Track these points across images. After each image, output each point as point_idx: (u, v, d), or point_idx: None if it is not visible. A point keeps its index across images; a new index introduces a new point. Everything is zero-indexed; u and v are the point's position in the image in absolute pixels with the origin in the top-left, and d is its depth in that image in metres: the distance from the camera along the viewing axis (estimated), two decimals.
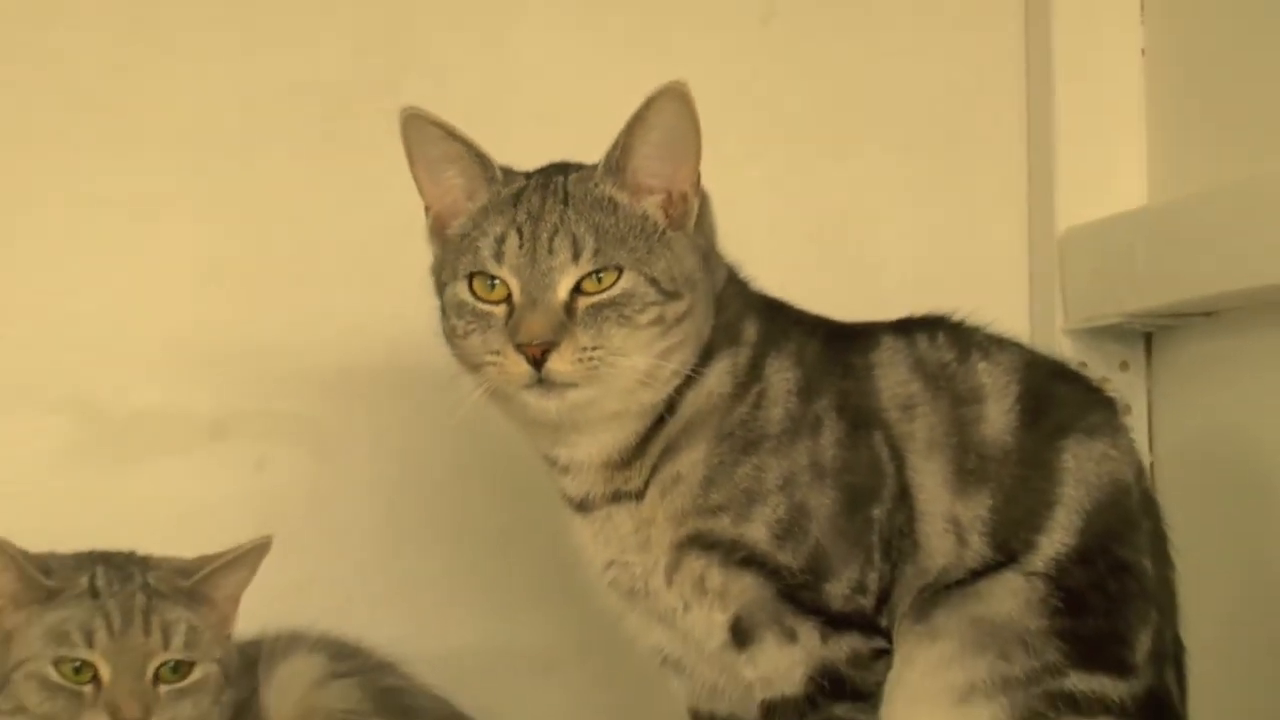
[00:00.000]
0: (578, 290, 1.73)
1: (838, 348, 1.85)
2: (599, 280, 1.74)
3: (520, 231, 1.75)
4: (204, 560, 1.97)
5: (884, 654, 1.78)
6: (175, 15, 2.39)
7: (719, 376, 1.81)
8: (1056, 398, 1.85)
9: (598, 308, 1.73)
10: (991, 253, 2.58)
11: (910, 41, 2.60)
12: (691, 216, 1.80)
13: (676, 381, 1.78)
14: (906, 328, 1.88)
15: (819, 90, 2.55)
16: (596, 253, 1.74)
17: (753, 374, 1.82)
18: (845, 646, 1.76)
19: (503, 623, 2.40)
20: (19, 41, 2.34)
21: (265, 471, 2.37)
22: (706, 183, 1.81)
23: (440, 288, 1.82)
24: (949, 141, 2.59)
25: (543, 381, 1.72)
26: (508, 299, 1.75)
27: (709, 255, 1.83)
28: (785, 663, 1.77)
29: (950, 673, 1.75)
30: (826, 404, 1.81)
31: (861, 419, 1.81)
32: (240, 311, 2.37)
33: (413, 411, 2.32)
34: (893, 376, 1.84)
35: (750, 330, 1.84)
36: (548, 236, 1.74)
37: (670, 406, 1.79)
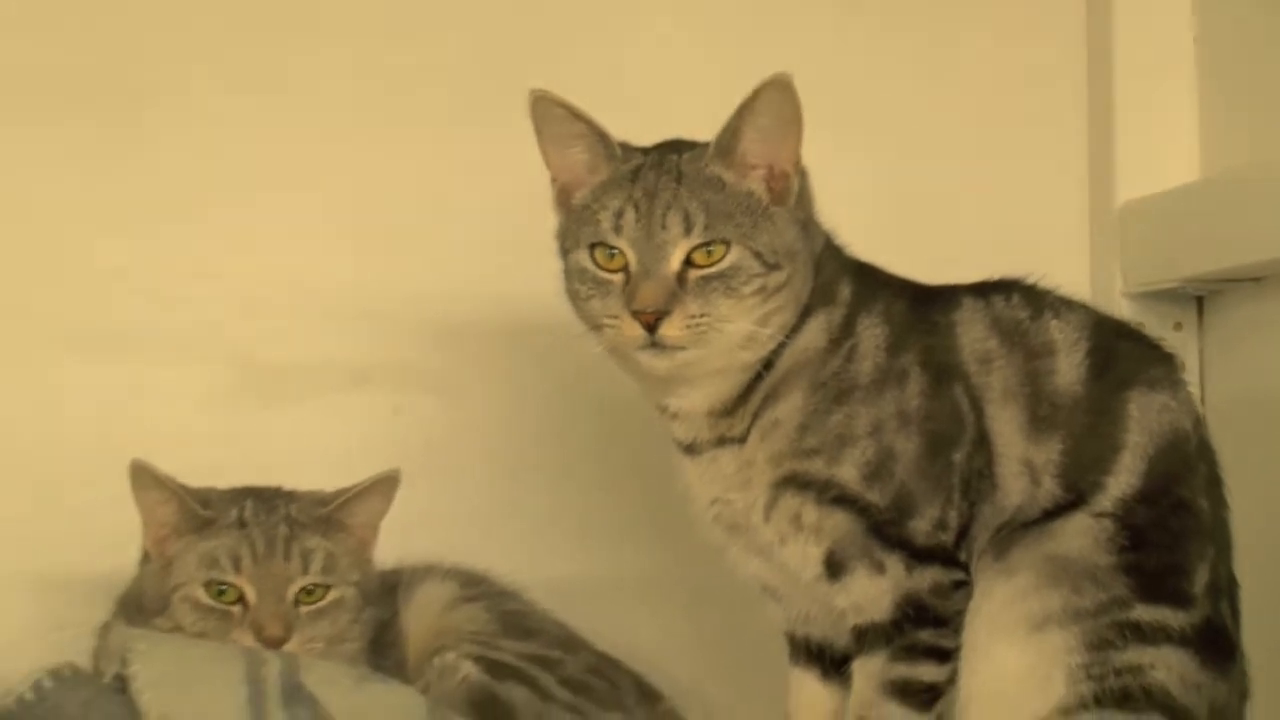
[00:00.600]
0: (688, 262, 1.73)
1: (922, 307, 1.85)
2: (709, 253, 1.74)
3: (637, 207, 1.74)
4: (340, 492, 1.98)
5: (963, 585, 1.77)
6: (329, 7, 2.40)
7: (815, 333, 1.80)
8: (1121, 353, 1.83)
9: (706, 279, 1.73)
10: (1056, 224, 2.57)
11: (981, 30, 2.58)
12: (792, 193, 1.79)
13: (776, 342, 1.77)
14: (984, 290, 1.87)
15: (899, 73, 2.53)
16: (706, 228, 1.73)
17: (846, 331, 1.81)
18: (928, 578, 1.76)
19: (607, 553, 2.39)
20: (197, 37, 2.35)
21: (400, 416, 2.37)
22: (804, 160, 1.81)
23: (564, 253, 1.82)
24: (1017, 122, 2.58)
25: (655, 344, 1.72)
26: (625, 268, 1.75)
27: (808, 225, 1.83)
28: (874, 592, 1.76)
29: (1026, 604, 1.73)
30: (912, 358, 1.80)
31: (943, 372, 1.80)
32: (379, 273, 2.36)
33: (532, 363, 2.31)
34: (972, 333, 1.83)
35: (844, 291, 1.84)
36: (661, 212, 1.74)
37: (770, 360, 1.79)
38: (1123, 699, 1.71)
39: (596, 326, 1.78)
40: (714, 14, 2.50)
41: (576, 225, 1.80)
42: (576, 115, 1.80)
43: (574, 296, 1.80)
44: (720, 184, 1.76)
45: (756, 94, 1.74)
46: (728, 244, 1.74)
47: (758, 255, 1.75)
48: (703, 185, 1.76)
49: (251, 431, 2.33)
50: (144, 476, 1.93)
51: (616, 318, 1.74)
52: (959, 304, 1.85)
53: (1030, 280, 1.89)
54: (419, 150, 2.38)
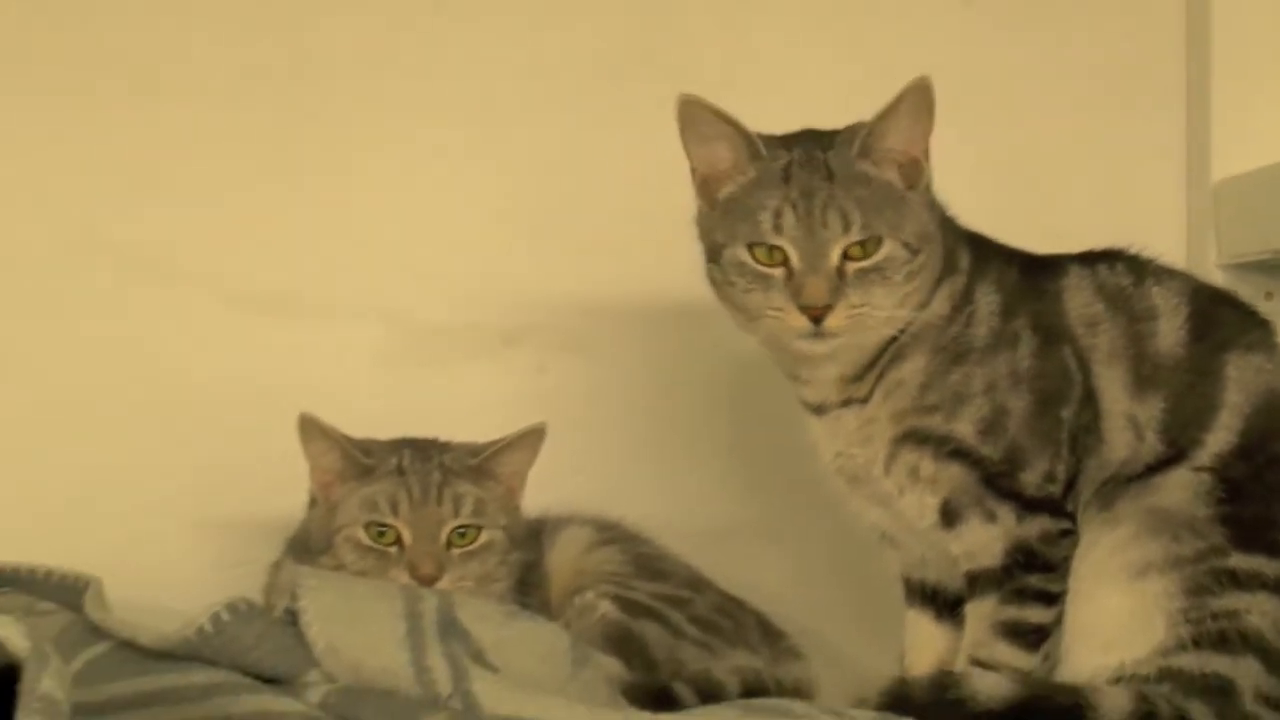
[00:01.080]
0: (844, 255, 1.72)
1: (1032, 275, 1.83)
2: (863, 248, 1.72)
3: (795, 206, 1.72)
4: (490, 444, 1.98)
5: (1069, 534, 1.76)
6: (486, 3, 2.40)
7: (940, 301, 1.80)
8: (1220, 318, 1.81)
9: (864, 271, 1.72)
10: (1156, 200, 2.53)
11: (1088, 21, 2.54)
12: (924, 178, 1.78)
13: (911, 314, 1.77)
14: (1089, 259, 1.86)
15: (1013, 62, 2.49)
16: (864, 225, 1.72)
17: (966, 298, 1.80)
18: (1037, 526, 1.75)
19: (733, 502, 2.38)
20: (364, 30, 2.37)
21: (546, 375, 2.37)
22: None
23: (715, 246, 1.79)
24: (1121, 107, 2.53)
25: (818, 333, 1.72)
26: (785, 263, 1.73)
27: (932, 205, 1.81)
28: (986, 539, 1.76)
29: (1129, 552, 1.71)
30: (1023, 322, 1.79)
31: (1053, 334, 1.79)
32: (528, 243, 2.35)
33: (668, 325, 2.31)
34: (1079, 299, 1.81)
35: (964, 260, 1.82)
36: (820, 211, 1.71)
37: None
38: (1219, 642, 1.68)
39: (754, 317, 1.76)
40: (840, 6, 2.47)
41: (729, 221, 1.77)
42: (722, 118, 1.77)
43: (728, 287, 1.78)
44: (867, 179, 1.74)
45: (901, 97, 1.73)
46: (881, 238, 1.72)
47: (905, 245, 1.73)
48: (853, 182, 1.73)
49: (411, 388, 2.33)
50: (310, 428, 1.94)
51: (780, 309, 1.73)
52: (1066, 271, 1.83)
53: (1132, 250, 1.87)
54: (565, 131, 2.37)
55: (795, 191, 1.73)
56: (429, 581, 1.86)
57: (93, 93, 2.31)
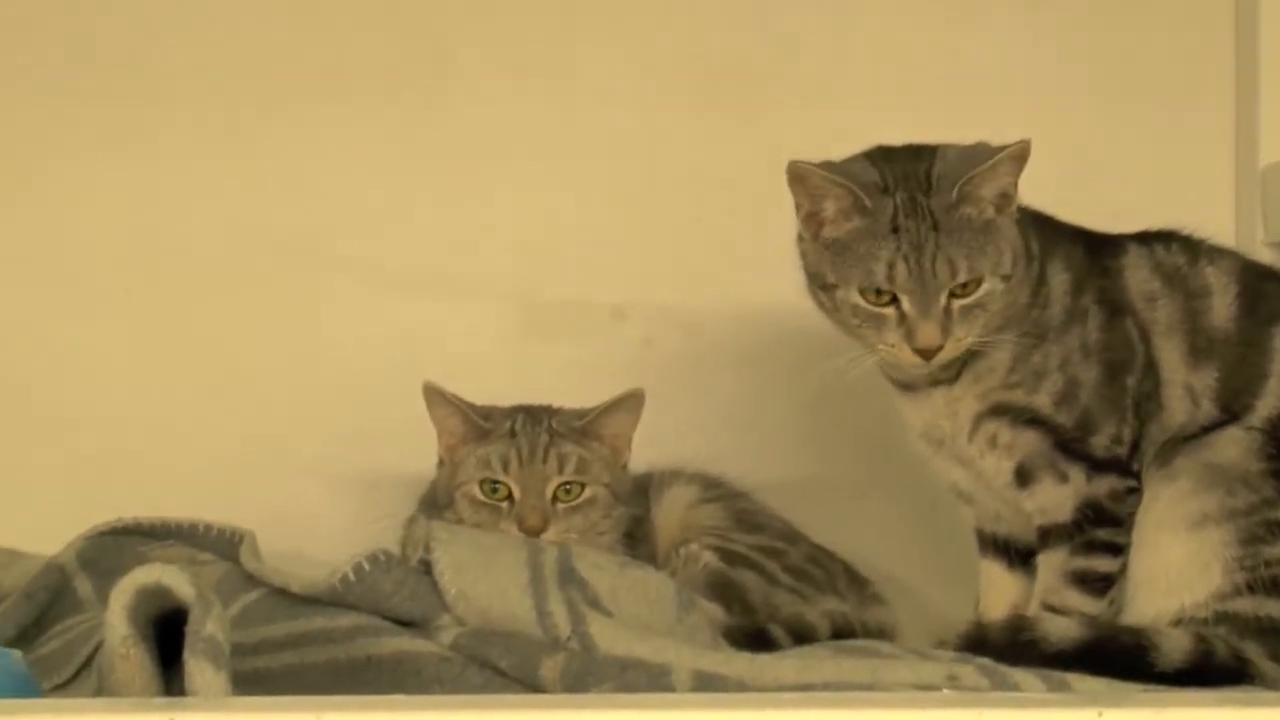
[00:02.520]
0: (950, 294, 1.69)
1: (1095, 252, 1.80)
2: (965, 288, 1.70)
3: (906, 260, 1.68)
4: (594, 408, 1.98)
5: (1134, 491, 1.73)
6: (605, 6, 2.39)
7: (1020, 289, 1.76)
8: (1268, 294, 1.78)
9: (967, 309, 1.69)
10: (1205, 183, 2.45)
11: (1139, 11, 2.47)
12: (1014, 205, 1.74)
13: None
14: (1146, 238, 1.82)
15: (1068, 51, 2.43)
16: (970, 270, 1.69)
17: (1040, 281, 1.77)
18: (1105, 485, 1.72)
19: (827, 462, 2.34)
20: (493, 30, 2.37)
21: (652, 347, 2.34)
22: (988, 135, 1.76)
23: (811, 267, 1.76)
24: (1173, 96, 2.46)
25: (928, 364, 1.72)
26: (894, 303, 1.70)
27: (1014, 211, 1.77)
28: (1059, 497, 1.74)
29: (1187, 504, 1.69)
30: (1090, 298, 1.77)
31: (1117, 308, 1.76)
32: (636, 223, 2.34)
33: (768, 301, 2.25)
34: (1138, 276, 1.79)
35: (1034, 244, 1.78)
36: (930, 263, 1.67)
37: None
38: (1272, 587, 1.66)
39: (868, 346, 1.75)
40: (921, 11, 2.41)
41: (840, 264, 1.72)
42: (830, 179, 1.72)
43: (837, 316, 1.76)
44: (967, 222, 1.70)
45: (1002, 158, 1.69)
46: (981, 279, 1.69)
47: (1004, 278, 1.70)
48: (956, 229, 1.69)
49: (529, 360, 2.32)
50: (434, 395, 1.96)
51: (894, 345, 1.70)
52: (1126, 250, 1.80)
53: (1185, 231, 1.83)
54: (672, 121, 2.35)
55: (905, 244, 1.69)
56: (535, 533, 1.86)
57: (248, 96, 2.33)
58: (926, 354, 1.70)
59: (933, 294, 1.69)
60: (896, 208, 1.71)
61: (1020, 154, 1.70)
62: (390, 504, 2.11)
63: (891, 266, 1.70)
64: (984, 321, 1.71)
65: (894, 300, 1.70)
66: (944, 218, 1.70)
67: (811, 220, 1.76)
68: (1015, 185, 1.73)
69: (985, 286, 1.70)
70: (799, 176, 1.74)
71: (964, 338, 1.70)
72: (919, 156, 1.75)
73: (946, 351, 1.70)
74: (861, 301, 1.72)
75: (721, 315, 2.37)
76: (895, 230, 1.70)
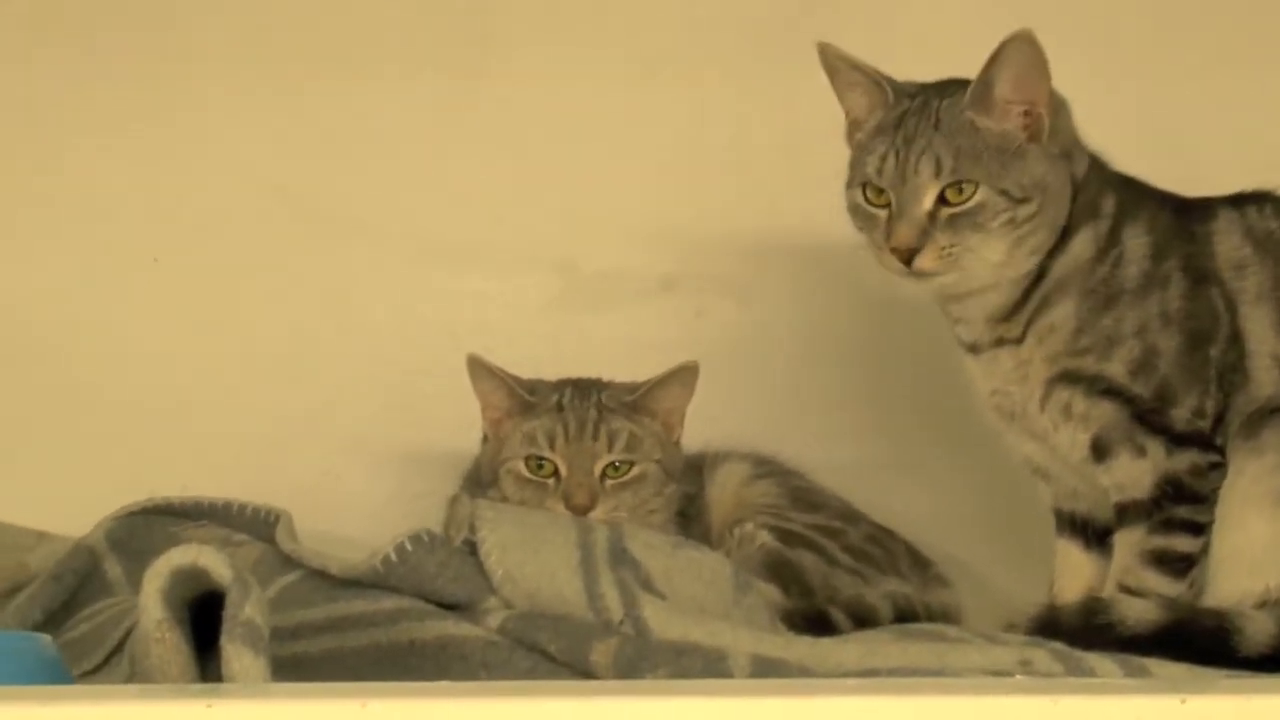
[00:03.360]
0: (943, 200, 1.70)
1: (1182, 218, 1.78)
2: (959, 191, 1.69)
3: (897, 153, 1.72)
4: (645, 382, 1.97)
5: (1217, 467, 1.71)
6: None
7: (1083, 244, 1.75)
8: None
9: (955, 216, 1.69)
10: None
11: None
12: (1045, 130, 1.73)
13: (1035, 259, 1.73)
14: (1239, 201, 1.80)
15: (1155, 12, 2.41)
16: (954, 171, 1.69)
17: (1112, 240, 1.75)
18: (1186, 460, 1.70)
19: (887, 438, 2.33)
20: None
21: (703, 319, 2.33)
22: (1071, 95, 1.77)
23: (847, 185, 1.80)
24: (1259, 61, 2.44)
25: (912, 273, 1.71)
26: (888, 205, 1.73)
27: (1068, 153, 1.76)
28: (1136, 472, 1.71)
29: (1273, 479, 1.66)
30: (1174, 264, 1.74)
31: (1201, 276, 1.74)
32: (686, 190, 2.32)
33: (822, 270, 2.27)
34: (1228, 243, 1.76)
35: (1109, 205, 1.77)
36: (915, 158, 1.70)
37: (1041, 272, 1.75)
38: None
39: (871, 252, 1.77)
40: None
41: (855, 163, 1.78)
42: (854, 65, 1.77)
43: (853, 223, 1.79)
44: (973, 129, 1.71)
45: (1002, 47, 1.69)
46: (975, 184, 1.69)
47: (1004, 193, 1.69)
48: (956, 131, 1.70)
49: (576, 331, 2.31)
50: (478, 368, 1.95)
51: (880, 248, 1.73)
52: (1215, 215, 1.78)
53: None
54: (722, 84, 2.35)
55: (900, 138, 1.72)
56: (582, 511, 1.85)
57: (283, 63, 2.33)
58: (902, 255, 1.70)
59: (913, 191, 1.70)
60: (909, 108, 1.74)
61: (1018, 40, 1.68)
62: (431, 482, 2.11)
63: (883, 159, 1.73)
64: (980, 241, 1.70)
65: (888, 205, 1.73)
66: (948, 118, 1.72)
67: (851, 130, 1.80)
68: (1047, 104, 1.72)
69: (979, 197, 1.69)
70: (830, 63, 1.77)
71: (948, 247, 1.69)
72: (958, 82, 1.76)
73: (927, 259, 1.69)
74: (862, 200, 1.76)
75: (776, 285, 2.36)
76: (898, 126, 1.73)
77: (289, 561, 1.65)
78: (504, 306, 2.31)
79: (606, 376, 2.02)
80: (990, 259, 1.71)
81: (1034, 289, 1.75)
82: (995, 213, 1.69)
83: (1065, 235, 1.75)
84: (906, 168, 1.71)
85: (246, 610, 1.22)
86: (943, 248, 1.69)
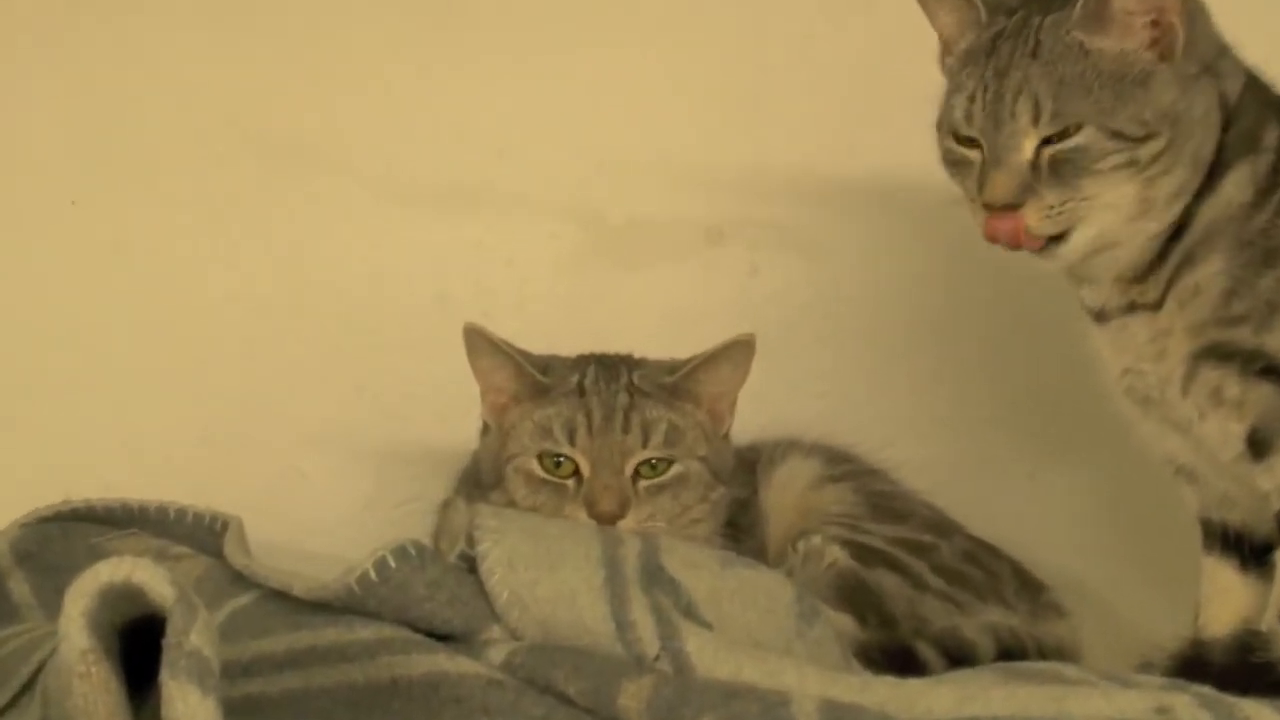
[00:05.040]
0: (1045, 142, 1.68)
1: None
2: (1064, 135, 1.67)
3: (986, 89, 1.70)
4: (688, 360, 1.93)
5: None
6: None
7: (1237, 186, 1.72)
8: None
9: (1059, 163, 1.68)
10: None
11: None
12: (1179, 45, 1.70)
13: (1177, 206, 1.71)
14: None
15: None
16: (1055, 115, 1.67)
17: (1273, 180, 1.72)
18: None
19: (991, 428, 2.34)
20: None
21: (758, 278, 2.34)
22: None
23: (936, 125, 1.79)
24: None
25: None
26: (980, 149, 1.71)
27: (1216, 67, 1.74)
28: None
29: None
30: None
31: None
32: (737, 124, 2.33)
33: (903, 221, 2.27)
34: None
35: (1271, 135, 1.75)
36: (1010, 97, 1.69)
37: (1185, 220, 1.72)
38: None
39: (966, 205, 1.75)
40: None
41: (945, 97, 1.77)
42: None
43: (946, 171, 1.78)
44: (1082, 53, 1.68)
45: None
46: (1080, 125, 1.67)
47: (1116, 134, 1.67)
48: (1060, 58, 1.68)
49: (599, 294, 2.33)
50: (478, 341, 1.91)
51: (974, 202, 1.72)
52: None
53: None
54: (775, 13, 2.35)
55: (991, 71, 1.70)
56: (609, 520, 1.83)
57: None
58: (994, 208, 1.69)
59: (1008, 138, 1.69)
60: (1004, 29, 1.73)
61: None
62: (419, 483, 2.14)
63: (971, 101, 1.72)
64: (1099, 183, 1.68)
65: (981, 149, 1.72)
66: (1051, 41, 1.70)
67: (941, 51, 1.80)
68: (1179, 14, 1.69)
69: (1080, 139, 1.67)
70: None
71: (1054, 204, 1.68)
72: None
73: (1031, 216, 1.68)
74: (953, 144, 1.75)
75: (848, 238, 2.37)
76: (990, 54, 1.72)
77: (241, 580, 1.66)
78: (510, 264, 2.32)
79: (639, 352, 2.01)
80: (1112, 206, 1.69)
81: (1175, 242, 1.73)
82: (1103, 155, 1.67)
83: (1214, 174, 1.72)
84: (999, 110, 1.69)
85: (192, 638, 1.23)
86: (1049, 206, 1.68)
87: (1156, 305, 1.75)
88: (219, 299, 2.30)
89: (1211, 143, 1.72)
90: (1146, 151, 1.68)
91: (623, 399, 1.90)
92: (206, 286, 2.30)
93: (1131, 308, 1.76)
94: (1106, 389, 1.82)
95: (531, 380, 1.92)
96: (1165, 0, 1.68)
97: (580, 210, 2.33)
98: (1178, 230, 1.72)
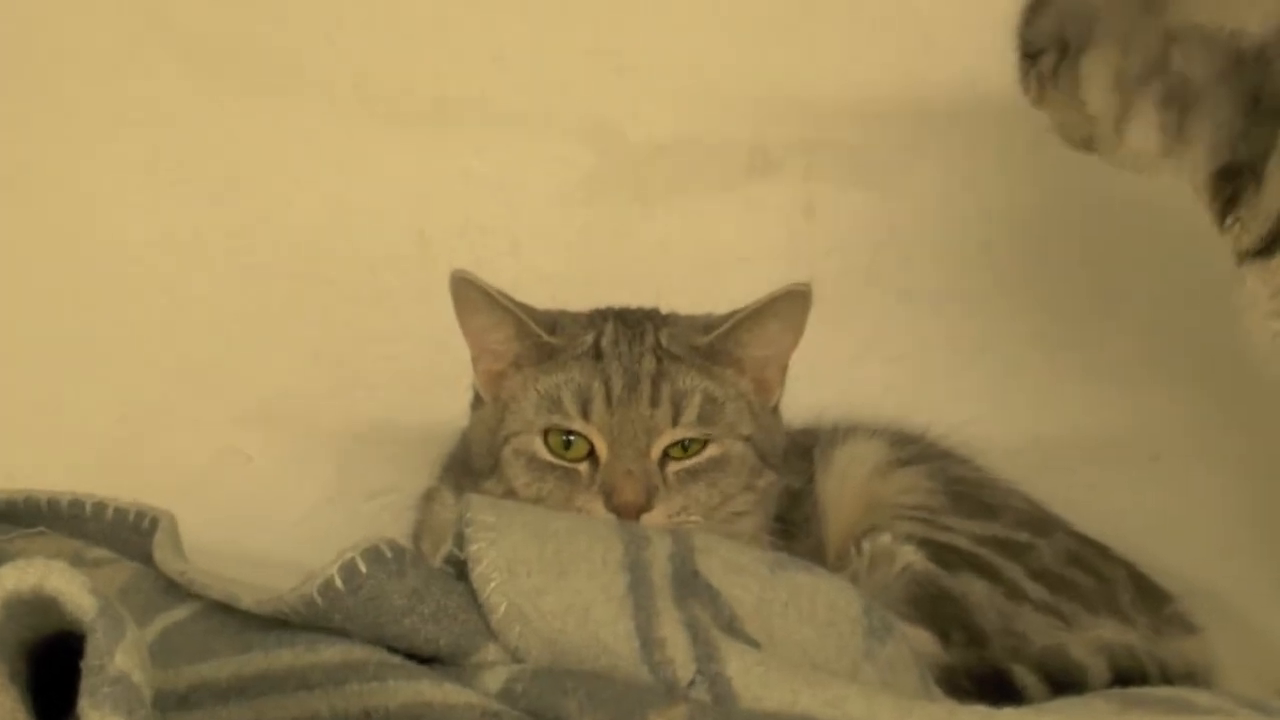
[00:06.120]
0: None
1: None
2: None
3: None
4: (730, 315, 1.92)
5: None
6: None
7: None
8: None
9: None
10: None
11: None
12: None
13: None
14: None
15: None
16: None
17: None
18: None
19: (1104, 405, 2.35)
20: None
21: (813, 217, 2.34)
22: None
23: None
24: None
25: None
26: None
27: None
28: None
29: None
30: None
31: None
32: (787, 28, 2.34)
33: (996, 142, 2.26)
34: None
35: None
36: None
37: None
38: None
39: None
40: None
41: None
42: None
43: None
44: None
45: None
46: None
47: None
48: None
49: (617, 233, 2.34)
50: (468, 292, 1.90)
51: None
52: None
53: None
54: None
55: None
56: (633, 513, 1.83)
57: None
58: None
59: None
60: None
61: None
62: (393, 470, 2.15)
63: None
64: None
65: None
66: None
67: None
68: None
69: None
70: None
71: None
72: None
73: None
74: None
75: (923, 166, 2.38)
76: None
77: (175, 589, 1.67)
78: (508, 195, 2.33)
79: (668, 306, 2.01)
80: None
81: None
82: None
83: None
84: None
85: (118, 661, 1.23)
86: None
87: None
88: (139, 241, 2.32)
89: None
90: None
91: (648, 363, 1.90)
92: (124, 226, 2.32)
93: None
94: (1254, 351, 1.80)
95: (535, 340, 1.92)
96: None
97: (594, 129, 2.34)
98: None
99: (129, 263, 2.30)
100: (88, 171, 2.32)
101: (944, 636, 1.86)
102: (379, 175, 2.31)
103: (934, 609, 1.89)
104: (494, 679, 1.49)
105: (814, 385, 2.03)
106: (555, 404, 1.88)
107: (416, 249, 2.16)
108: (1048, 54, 1.79)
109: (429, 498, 2.00)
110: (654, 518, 1.83)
